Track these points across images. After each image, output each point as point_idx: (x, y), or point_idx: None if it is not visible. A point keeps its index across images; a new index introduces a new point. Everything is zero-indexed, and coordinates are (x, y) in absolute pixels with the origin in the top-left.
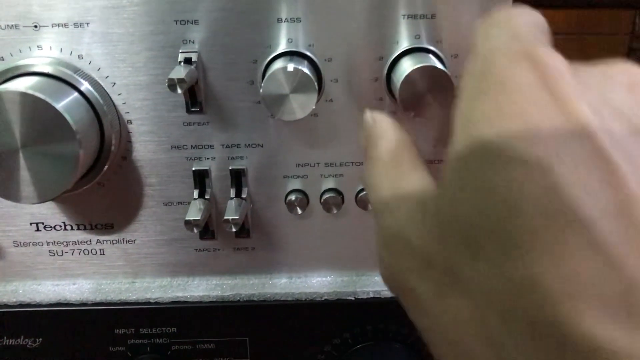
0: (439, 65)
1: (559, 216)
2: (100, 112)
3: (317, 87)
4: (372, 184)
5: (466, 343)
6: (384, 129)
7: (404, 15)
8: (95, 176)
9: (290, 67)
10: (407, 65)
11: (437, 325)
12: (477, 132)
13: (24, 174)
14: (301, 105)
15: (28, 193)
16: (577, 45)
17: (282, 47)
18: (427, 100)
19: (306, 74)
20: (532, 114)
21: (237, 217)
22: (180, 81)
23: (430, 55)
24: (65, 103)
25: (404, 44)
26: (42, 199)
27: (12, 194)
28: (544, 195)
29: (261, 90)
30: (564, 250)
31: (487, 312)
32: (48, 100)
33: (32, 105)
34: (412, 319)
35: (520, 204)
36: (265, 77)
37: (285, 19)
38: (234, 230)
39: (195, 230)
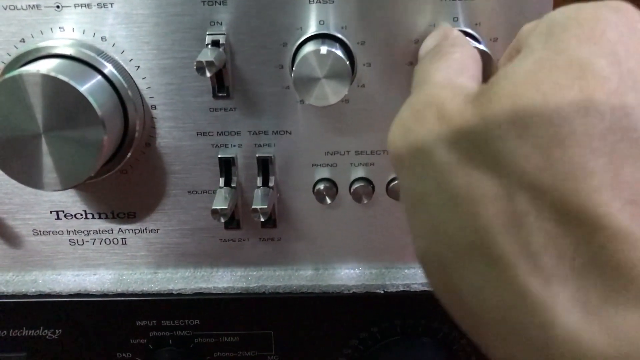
0: (480, 46)
1: (626, 129)
2: (124, 96)
3: (350, 71)
4: (429, 68)
5: (481, 214)
6: (466, 41)
7: None
8: (117, 163)
9: (323, 49)
10: None
11: (448, 190)
12: (561, 45)
13: (47, 160)
14: (334, 90)
15: (50, 180)
16: None
17: (313, 29)
18: None
19: (340, 57)
20: (616, 45)
21: (266, 207)
22: (209, 64)
23: (468, 38)
24: (88, 86)
25: None
26: (65, 186)
27: (34, 181)
28: (615, 111)
29: (292, 74)
30: (622, 159)
31: (518, 189)
32: (71, 82)
33: (54, 88)
34: (407, 181)
35: (590, 109)
36: (297, 60)
37: (317, 0)
38: (262, 219)
39: (222, 220)
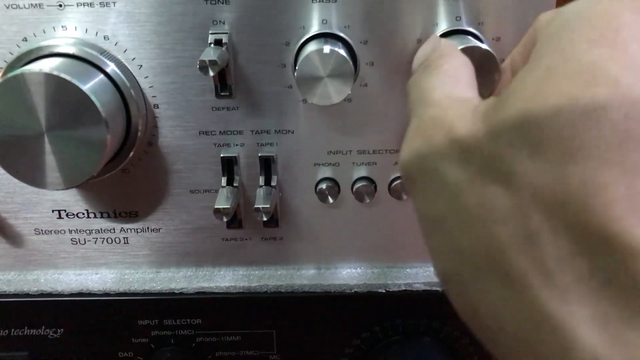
0: (483, 45)
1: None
2: (127, 95)
3: (353, 70)
4: (424, 86)
5: (495, 232)
6: (454, 50)
7: None
8: (120, 162)
9: (327, 48)
10: None
11: (462, 210)
12: (571, 49)
13: (49, 159)
14: (337, 90)
15: (53, 179)
16: None
17: (316, 28)
18: None
19: (343, 56)
20: (631, 46)
21: (268, 206)
22: (212, 63)
23: (471, 38)
24: (91, 85)
25: (443, 26)
26: (68, 185)
27: (37, 180)
28: (628, 118)
29: (295, 74)
30: (636, 170)
31: (532, 207)
32: (74, 81)
33: (57, 87)
34: (421, 204)
35: (602, 117)
36: (300, 59)
37: None
38: (264, 219)
39: (225, 219)
